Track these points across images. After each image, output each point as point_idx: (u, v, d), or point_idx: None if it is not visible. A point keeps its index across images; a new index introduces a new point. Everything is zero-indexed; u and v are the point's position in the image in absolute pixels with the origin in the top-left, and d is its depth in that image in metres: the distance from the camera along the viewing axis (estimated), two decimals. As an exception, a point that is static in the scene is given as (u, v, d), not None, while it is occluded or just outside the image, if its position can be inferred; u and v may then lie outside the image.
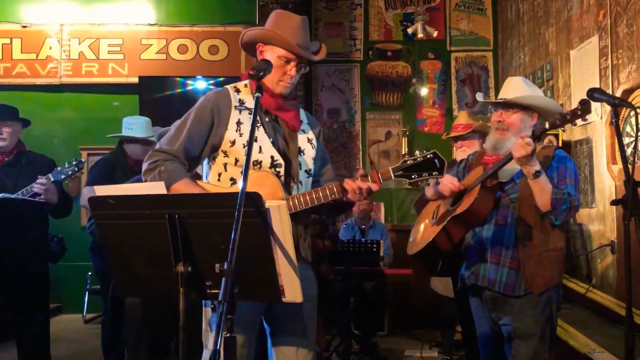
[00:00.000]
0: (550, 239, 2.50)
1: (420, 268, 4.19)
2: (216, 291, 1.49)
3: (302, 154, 2.29)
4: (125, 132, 4.27)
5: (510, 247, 2.50)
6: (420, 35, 6.22)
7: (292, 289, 1.71)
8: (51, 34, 7.13)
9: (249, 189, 2.01)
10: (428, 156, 2.18)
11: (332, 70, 7.33)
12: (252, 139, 1.80)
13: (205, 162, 2.30)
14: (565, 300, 4.47)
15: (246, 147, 2.12)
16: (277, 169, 2.19)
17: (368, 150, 7.24)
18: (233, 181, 2.19)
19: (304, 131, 2.34)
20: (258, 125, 2.20)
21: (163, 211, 1.63)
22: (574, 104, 5.21)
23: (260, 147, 2.19)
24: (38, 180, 3.42)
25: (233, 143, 2.19)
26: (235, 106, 2.22)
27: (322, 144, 2.44)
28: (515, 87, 2.62)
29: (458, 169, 2.88)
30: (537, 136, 2.39)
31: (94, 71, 7.14)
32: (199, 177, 2.41)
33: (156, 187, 1.90)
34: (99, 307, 6.27)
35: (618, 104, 2.39)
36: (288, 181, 2.22)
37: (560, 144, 4.95)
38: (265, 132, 2.22)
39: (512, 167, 2.49)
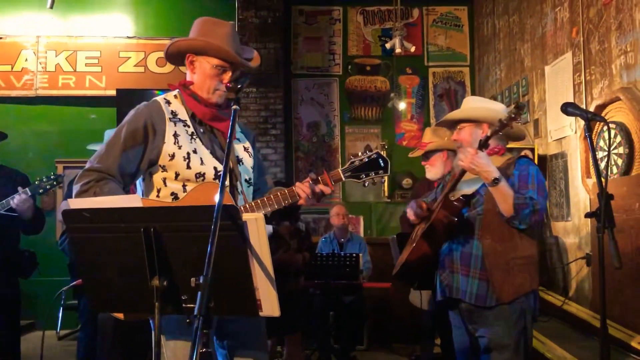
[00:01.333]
0: (519, 246, 2.52)
1: (399, 281, 4.17)
2: (192, 305, 1.46)
3: (241, 163, 2.24)
4: None
5: (478, 259, 2.53)
6: (398, 50, 6.28)
7: (269, 303, 1.69)
8: (27, 46, 7.06)
9: (195, 201, 1.98)
10: (372, 156, 2.19)
11: (311, 84, 7.35)
12: (229, 151, 1.75)
13: (139, 179, 2.18)
14: (542, 312, 4.51)
15: (187, 160, 2.08)
16: None
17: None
18: (174, 196, 2.09)
19: (239, 140, 2.28)
20: (195, 137, 2.14)
21: (138, 224, 1.61)
22: (549, 119, 5.34)
23: (201, 158, 2.11)
24: (17, 196, 3.36)
25: (172, 157, 2.09)
26: (169, 118, 2.13)
27: (257, 153, 2.39)
28: (465, 105, 2.74)
29: (437, 190, 2.95)
30: (482, 144, 2.45)
31: (70, 83, 7.07)
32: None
33: (131, 200, 1.87)
34: (74, 323, 6.16)
35: (591, 119, 2.44)
36: (232, 191, 2.15)
37: (536, 158, 5.03)
38: (203, 143, 2.15)
39: (478, 180, 2.53)
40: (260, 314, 1.69)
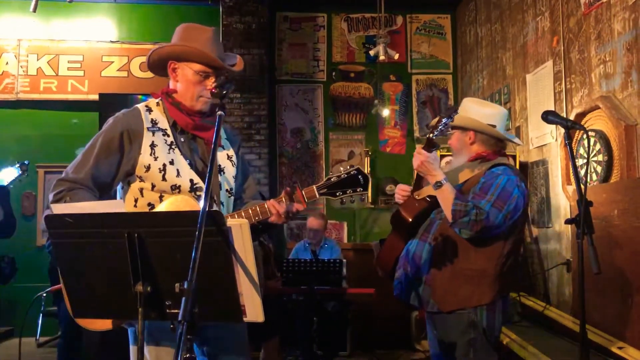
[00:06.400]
0: (471, 258, 2.43)
1: (383, 287, 4.20)
2: (176, 311, 1.46)
3: (222, 172, 2.18)
4: None
5: (426, 262, 2.49)
6: (382, 57, 6.33)
7: (253, 308, 1.69)
8: (8, 49, 6.98)
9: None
10: (352, 172, 2.09)
11: (295, 90, 7.37)
12: (213, 158, 1.75)
13: (118, 186, 2.16)
14: (523, 318, 4.56)
15: (163, 172, 2.06)
16: (198, 193, 2.08)
17: (331, 169, 7.27)
18: (151, 206, 2.08)
19: (223, 147, 2.23)
20: (174, 147, 2.11)
21: (122, 230, 1.60)
22: (531, 126, 5.39)
23: (177, 170, 2.08)
24: None
25: (148, 168, 2.06)
26: (147, 128, 2.10)
27: (242, 158, 2.33)
28: (460, 108, 2.63)
29: None
30: (427, 146, 2.43)
31: (52, 87, 7.00)
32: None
33: (115, 206, 1.86)
34: (53, 330, 6.08)
35: (570, 127, 2.46)
36: (210, 204, 2.08)
37: (517, 165, 5.08)
38: (182, 153, 2.12)
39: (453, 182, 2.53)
40: (245, 319, 1.69)
